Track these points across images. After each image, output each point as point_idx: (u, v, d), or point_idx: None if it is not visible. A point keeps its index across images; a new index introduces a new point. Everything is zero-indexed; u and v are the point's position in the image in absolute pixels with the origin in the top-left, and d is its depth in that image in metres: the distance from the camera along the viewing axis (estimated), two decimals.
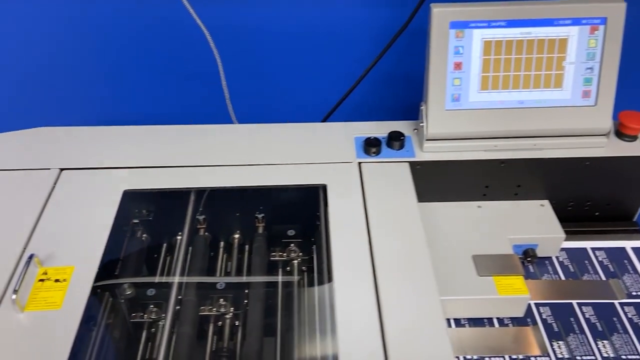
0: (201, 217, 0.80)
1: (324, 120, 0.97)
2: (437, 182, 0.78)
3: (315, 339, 0.62)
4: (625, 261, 0.78)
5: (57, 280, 0.59)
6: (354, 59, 0.95)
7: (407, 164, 0.76)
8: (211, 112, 0.92)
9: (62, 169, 0.73)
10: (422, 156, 0.77)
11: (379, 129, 0.82)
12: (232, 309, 0.73)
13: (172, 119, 0.91)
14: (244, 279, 0.76)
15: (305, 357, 0.64)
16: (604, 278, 0.75)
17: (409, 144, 0.79)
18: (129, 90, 0.97)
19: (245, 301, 0.73)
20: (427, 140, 0.76)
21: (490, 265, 0.71)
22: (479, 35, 0.72)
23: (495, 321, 0.71)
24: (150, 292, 0.71)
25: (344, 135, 0.81)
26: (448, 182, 0.78)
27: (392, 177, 0.74)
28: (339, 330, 0.56)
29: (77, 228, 0.66)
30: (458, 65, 0.73)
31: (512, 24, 0.72)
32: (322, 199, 0.77)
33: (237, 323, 0.75)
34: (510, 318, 0.71)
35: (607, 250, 0.79)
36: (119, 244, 0.79)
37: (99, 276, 0.62)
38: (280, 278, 0.75)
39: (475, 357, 0.66)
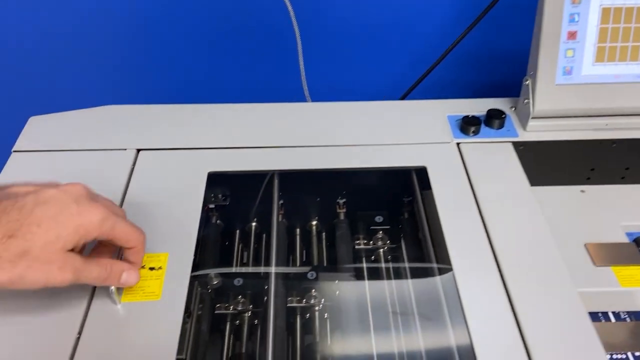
0: (284, 201, 0.74)
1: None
2: (537, 164, 0.72)
3: (440, 330, 0.57)
4: None
5: (151, 269, 0.54)
6: (426, 39, 0.89)
7: (509, 144, 0.70)
8: (282, 89, 0.86)
9: (138, 150, 0.68)
10: (525, 136, 0.71)
11: (471, 106, 0.76)
12: (323, 300, 0.69)
13: (240, 96, 0.86)
14: (346, 266, 0.70)
15: (434, 349, 0.59)
16: None
17: (509, 122, 0.73)
18: (198, 66, 0.91)
19: (337, 292, 0.68)
20: (532, 118, 0.70)
21: (607, 254, 0.65)
22: (597, 2, 0.65)
23: (611, 315, 0.65)
24: (238, 282, 0.66)
25: (434, 113, 0.75)
26: (550, 164, 0.72)
27: (496, 158, 0.68)
28: (470, 321, 0.50)
29: (165, 212, 0.61)
30: (572, 35, 0.66)
31: None
32: (415, 181, 0.72)
33: (325, 315, 0.70)
34: (627, 312, 0.65)
35: None
36: (207, 230, 0.74)
37: (195, 265, 0.57)
38: (383, 264, 0.70)
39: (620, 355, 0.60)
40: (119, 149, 0.68)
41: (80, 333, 0.49)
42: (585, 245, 0.66)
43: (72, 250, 0.47)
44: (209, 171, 0.66)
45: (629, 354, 0.59)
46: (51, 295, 0.50)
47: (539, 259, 0.56)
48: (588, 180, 0.73)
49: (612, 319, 0.65)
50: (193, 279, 0.57)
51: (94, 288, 0.53)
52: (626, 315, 0.65)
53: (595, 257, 0.65)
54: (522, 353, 0.48)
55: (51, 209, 0.46)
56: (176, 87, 0.92)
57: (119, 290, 0.52)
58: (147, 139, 0.70)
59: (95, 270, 0.49)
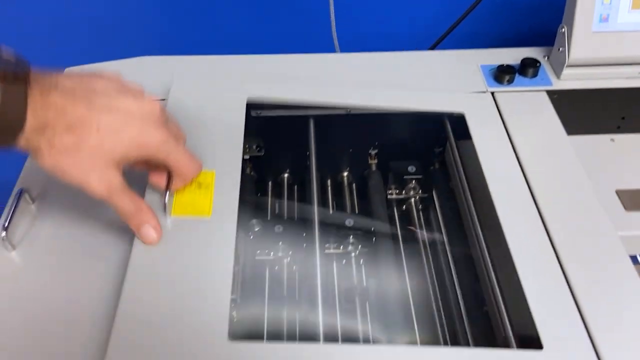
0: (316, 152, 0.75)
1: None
2: (570, 112, 0.72)
3: (486, 281, 0.59)
4: None
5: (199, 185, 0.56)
6: None
7: (544, 93, 0.70)
8: (310, 40, 0.86)
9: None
10: (559, 85, 0.71)
11: (502, 56, 0.76)
12: (360, 246, 0.71)
13: (267, 46, 0.85)
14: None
15: (476, 292, 0.61)
16: None
17: (542, 71, 0.73)
18: (222, 15, 0.90)
19: (374, 238, 0.70)
20: (567, 66, 0.70)
21: (638, 200, 0.67)
22: None
23: (638, 258, 0.67)
24: (278, 228, 0.68)
25: (467, 63, 0.75)
26: (582, 113, 0.73)
27: (531, 107, 0.68)
28: (518, 265, 0.52)
29: (207, 134, 0.62)
30: None
31: None
32: (450, 129, 0.72)
33: (361, 262, 0.72)
34: None
35: None
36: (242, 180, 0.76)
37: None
38: (415, 214, 0.71)
39: None
40: (163, 99, 0.68)
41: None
42: (616, 191, 0.68)
43: (120, 167, 0.48)
44: (248, 97, 0.67)
45: None
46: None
47: (579, 205, 0.58)
48: (618, 129, 0.74)
49: None
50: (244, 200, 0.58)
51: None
52: None
53: (626, 203, 0.66)
54: (568, 294, 0.50)
55: (117, 119, 0.46)
56: (205, 38, 0.91)
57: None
58: (184, 89, 0.70)
59: (126, 202, 0.49)
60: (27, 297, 0.50)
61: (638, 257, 0.67)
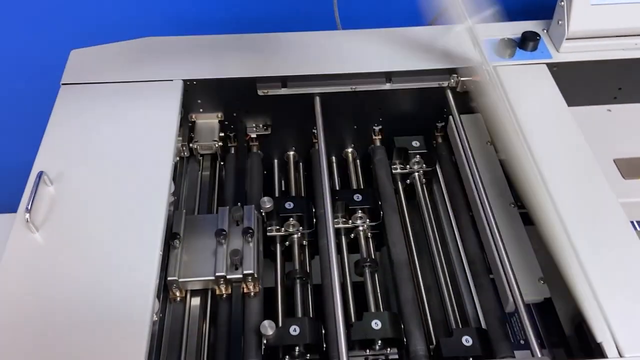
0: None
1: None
2: (568, 84, 0.74)
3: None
4: None
5: None
6: None
7: (544, 65, 0.72)
8: (311, 17, 0.86)
9: (185, 80, 0.69)
10: (558, 57, 0.73)
11: (501, 30, 0.77)
12: (368, 220, 0.72)
13: (267, 24, 0.86)
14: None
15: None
16: None
17: (542, 45, 0.74)
18: None
19: (381, 212, 0.72)
20: (567, 39, 0.71)
21: (635, 168, 0.69)
22: None
23: (636, 224, 0.70)
24: (289, 205, 0.69)
25: (467, 37, 0.76)
26: (580, 84, 0.75)
27: (533, 80, 0.70)
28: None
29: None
30: None
31: None
32: (453, 103, 0.74)
33: (369, 235, 0.74)
34: None
35: None
36: (251, 159, 0.78)
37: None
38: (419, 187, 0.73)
39: None
40: (166, 80, 0.69)
41: None
42: (614, 160, 0.70)
43: None
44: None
45: None
46: None
47: (580, 173, 0.60)
48: (615, 100, 0.77)
49: (638, 228, 0.70)
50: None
51: None
52: None
53: (624, 171, 0.69)
54: (574, 258, 0.53)
55: None
56: (204, 16, 0.91)
57: None
58: (191, 69, 0.71)
59: None
60: (52, 277, 0.51)
61: (635, 223, 0.69)
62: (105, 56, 0.72)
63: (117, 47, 0.72)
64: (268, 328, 0.56)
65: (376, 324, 0.58)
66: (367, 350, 0.59)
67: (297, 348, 0.58)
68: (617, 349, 0.47)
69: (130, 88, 0.68)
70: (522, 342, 0.62)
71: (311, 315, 0.64)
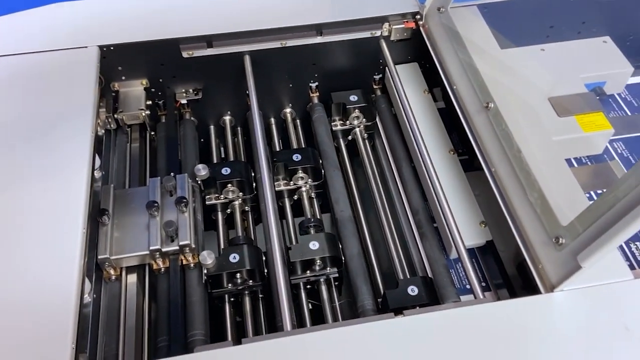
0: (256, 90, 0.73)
1: None
2: (501, 25, 0.73)
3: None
4: None
5: None
6: None
7: (475, 7, 0.71)
8: None
9: (100, 46, 0.65)
10: None
11: None
12: (310, 180, 0.71)
13: None
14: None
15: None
16: None
17: None
18: None
19: (323, 172, 0.70)
20: None
21: (569, 105, 0.70)
22: None
23: (573, 161, 0.71)
24: (226, 171, 0.67)
25: None
26: (511, 25, 0.74)
27: (465, 23, 0.69)
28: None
29: None
30: None
31: None
32: (388, 53, 0.72)
33: (312, 195, 0.72)
34: (587, 157, 0.71)
35: None
36: (184, 127, 0.74)
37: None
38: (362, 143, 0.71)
39: None
40: (80, 47, 0.64)
41: None
42: (548, 99, 0.70)
43: None
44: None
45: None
46: None
47: (513, 112, 0.60)
48: (548, 38, 0.76)
49: (575, 164, 0.71)
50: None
51: None
52: (587, 160, 0.71)
53: (558, 109, 0.69)
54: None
55: None
56: None
57: None
58: (108, 34, 0.66)
59: None
60: None
61: (572, 160, 0.70)
62: (14, 26, 0.66)
63: (26, 15, 0.67)
64: (207, 258, 0.56)
65: (314, 245, 0.59)
66: (308, 272, 0.60)
67: (239, 275, 0.57)
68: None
69: (41, 58, 0.63)
70: (467, 286, 0.62)
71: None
